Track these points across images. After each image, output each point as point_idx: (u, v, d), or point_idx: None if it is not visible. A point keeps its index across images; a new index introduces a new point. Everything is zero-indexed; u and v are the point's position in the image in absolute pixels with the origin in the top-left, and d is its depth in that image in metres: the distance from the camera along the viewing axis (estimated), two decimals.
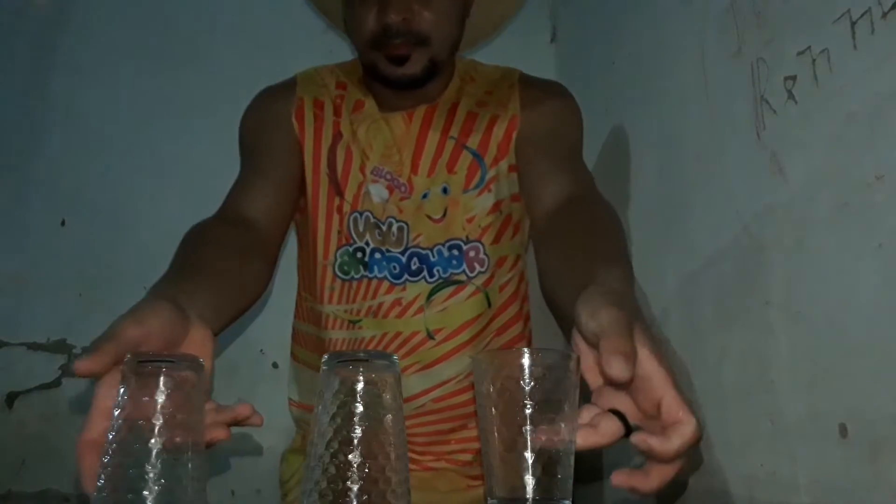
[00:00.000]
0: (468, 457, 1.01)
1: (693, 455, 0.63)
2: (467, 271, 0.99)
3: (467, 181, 0.99)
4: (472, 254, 0.99)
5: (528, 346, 1.07)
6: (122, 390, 0.55)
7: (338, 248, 1.00)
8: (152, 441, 0.53)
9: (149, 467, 0.53)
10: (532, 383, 0.55)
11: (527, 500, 0.54)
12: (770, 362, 0.69)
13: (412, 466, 0.88)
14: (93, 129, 1.49)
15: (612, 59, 1.19)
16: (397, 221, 0.99)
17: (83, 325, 1.41)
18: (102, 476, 0.53)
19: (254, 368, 1.41)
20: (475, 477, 1.01)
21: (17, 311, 1.41)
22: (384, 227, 0.99)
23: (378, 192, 0.99)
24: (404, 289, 0.98)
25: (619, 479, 0.57)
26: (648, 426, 0.57)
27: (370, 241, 0.99)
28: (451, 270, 0.99)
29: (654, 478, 0.56)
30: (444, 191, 0.99)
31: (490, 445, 0.57)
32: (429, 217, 0.99)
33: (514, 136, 0.99)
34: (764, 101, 0.69)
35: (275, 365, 1.43)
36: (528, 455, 0.55)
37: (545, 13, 1.62)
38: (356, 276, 0.99)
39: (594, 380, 0.61)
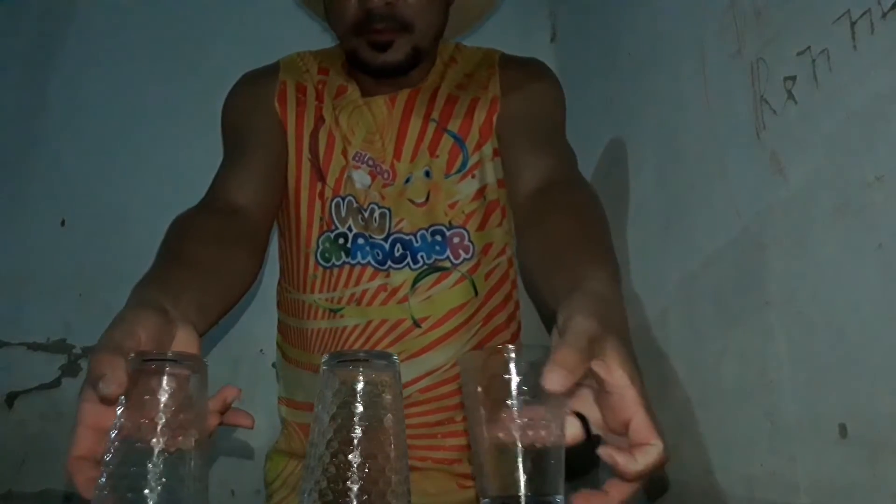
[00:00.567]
0: (454, 454, 0.98)
1: (658, 476, 0.63)
2: (451, 258, 0.97)
3: (449, 165, 0.98)
4: (455, 240, 0.98)
5: (517, 334, 1.06)
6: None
7: (320, 235, 0.98)
8: (154, 440, 0.53)
9: (151, 466, 0.53)
10: (518, 380, 0.55)
11: (519, 497, 0.54)
12: (770, 362, 0.69)
13: None
14: (93, 129, 1.49)
15: (612, 59, 1.19)
16: (379, 208, 0.97)
17: (83, 325, 1.41)
18: (104, 475, 0.53)
19: (254, 368, 1.41)
20: (464, 476, 0.99)
21: (17, 311, 1.41)
22: (366, 214, 0.98)
23: (360, 178, 0.98)
24: (388, 275, 0.97)
25: (580, 501, 0.57)
26: (611, 439, 0.58)
27: (353, 227, 0.97)
28: (434, 256, 0.97)
29: (613, 497, 0.56)
30: (427, 174, 0.98)
31: (479, 445, 0.57)
32: (411, 201, 0.97)
33: (494, 118, 0.98)
34: (764, 101, 0.69)
35: (274, 365, 1.43)
36: (519, 452, 0.55)
37: (545, 13, 1.62)
38: (337, 263, 0.97)
39: None
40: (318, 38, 1.47)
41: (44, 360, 1.40)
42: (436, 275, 0.97)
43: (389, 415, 0.56)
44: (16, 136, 1.48)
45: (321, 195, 0.99)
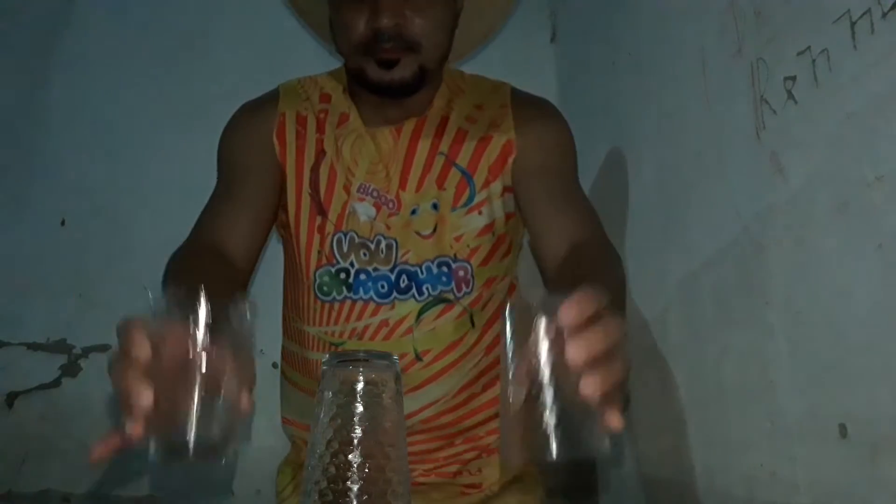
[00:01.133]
0: (455, 467, 1.00)
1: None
2: (455, 290, 0.98)
3: (456, 199, 0.98)
4: (461, 273, 0.98)
5: None
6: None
7: (317, 269, 0.98)
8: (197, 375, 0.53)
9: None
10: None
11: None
12: (770, 362, 0.69)
13: None
14: (93, 130, 1.49)
15: (612, 59, 1.19)
16: (386, 239, 0.97)
17: (83, 325, 1.41)
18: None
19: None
20: (467, 485, 1.00)
21: (17, 311, 1.41)
22: (372, 246, 0.98)
23: (365, 210, 0.98)
24: (392, 307, 0.97)
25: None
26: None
27: (355, 262, 0.98)
28: (440, 287, 0.97)
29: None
30: (434, 207, 0.98)
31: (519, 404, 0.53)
32: (418, 233, 0.98)
33: (509, 160, 0.98)
34: (764, 101, 0.69)
35: (275, 365, 1.42)
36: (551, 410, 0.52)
37: (545, 13, 1.62)
38: (338, 298, 0.97)
39: None
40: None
41: (44, 360, 1.40)
42: (440, 307, 0.98)
43: (389, 415, 0.56)
44: (16, 136, 1.48)
45: (321, 229, 0.99)
